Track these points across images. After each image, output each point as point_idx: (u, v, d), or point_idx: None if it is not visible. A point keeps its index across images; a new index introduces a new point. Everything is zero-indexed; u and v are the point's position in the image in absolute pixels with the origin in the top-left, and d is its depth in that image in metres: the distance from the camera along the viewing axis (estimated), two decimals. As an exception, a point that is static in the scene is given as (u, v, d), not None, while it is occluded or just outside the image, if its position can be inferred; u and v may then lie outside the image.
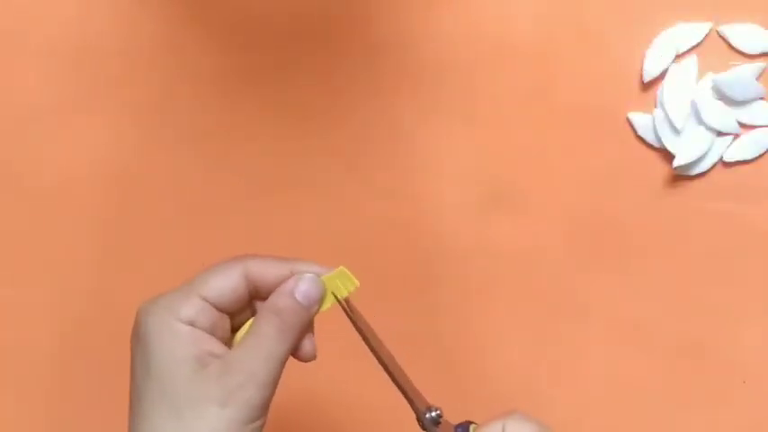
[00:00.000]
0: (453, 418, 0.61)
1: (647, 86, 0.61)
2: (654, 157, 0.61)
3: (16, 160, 0.63)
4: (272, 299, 0.42)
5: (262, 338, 0.41)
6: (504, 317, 0.62)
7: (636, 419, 0.61)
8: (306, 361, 0.44)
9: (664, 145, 0.60)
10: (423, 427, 0.44)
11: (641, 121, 0.61)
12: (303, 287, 0.42)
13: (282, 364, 0.41)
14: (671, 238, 0.61)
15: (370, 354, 0.44)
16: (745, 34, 0.60)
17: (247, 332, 0.41)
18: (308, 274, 0.42)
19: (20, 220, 0.62)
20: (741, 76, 0.59)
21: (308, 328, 0.43)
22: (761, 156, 0.61)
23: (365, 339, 0.44)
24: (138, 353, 0.41)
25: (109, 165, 0.62)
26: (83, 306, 0.63)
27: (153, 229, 0.62)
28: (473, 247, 0.61)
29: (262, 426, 0.41)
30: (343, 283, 0.44)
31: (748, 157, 0.61)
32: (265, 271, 0.42)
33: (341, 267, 0.43)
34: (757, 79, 0.60)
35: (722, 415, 0.61)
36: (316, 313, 0.43)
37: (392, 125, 0.62)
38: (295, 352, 0.44)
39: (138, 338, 0.41)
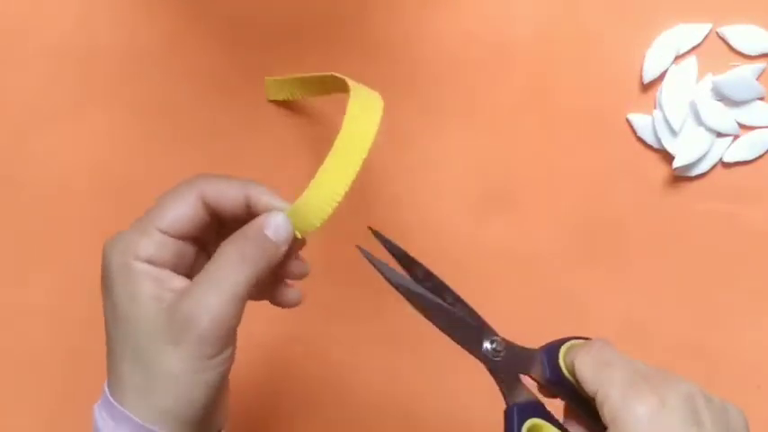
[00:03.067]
0: (453, 418, 0.61)
1: (647, 87, 0.61)
2: (654, 157, 0.61)
3: (16, 160, 0.63)
4: (242, 229, 0.40)
5: (218, 267, 0.39)
6: (504, 317, 0.61)
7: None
8: (288, 306, 0.43)
9: (663, 146, 0.60)
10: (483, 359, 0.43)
11: (641, 122, 0.61)
12: (274, 223, 0.41)
13: (241, 297, 0.39)
14: (671, 238, 0.61)
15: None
16: (744, 35, 0.60)
17: (208, 263, 0.40)
18: (281, 214, 0.41)
19: (20, 219, 0.62)
20: (741, 76, 0.60)
21: (273, 267, 0.41)
22: (760, 156, 0.61)
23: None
24: (105, 297, 0.40)
25: (109, 165, 0.62)
26: (83, 306, 0.62)
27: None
28: (472, 247, 0.61)
29: (226, 361, 0.39)
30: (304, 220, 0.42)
31: (748, 157, 0.61)
32: (221, 193, 0.41)
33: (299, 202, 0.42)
34: (757, 80, 0.60)
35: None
36: (281, 255, 0.41)
37: (391, 125, 0.62)
38: (275, 298, 0.43)
39: (103, 282, 0.41)
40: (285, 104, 0.62)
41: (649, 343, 0.61)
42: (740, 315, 0.61)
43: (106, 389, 0.41)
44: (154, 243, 0.40)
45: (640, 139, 0.61)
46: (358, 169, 0.42)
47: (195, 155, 0.62)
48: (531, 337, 0.61)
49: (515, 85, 0.61)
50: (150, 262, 0.40)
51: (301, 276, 0.44)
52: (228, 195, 0.41)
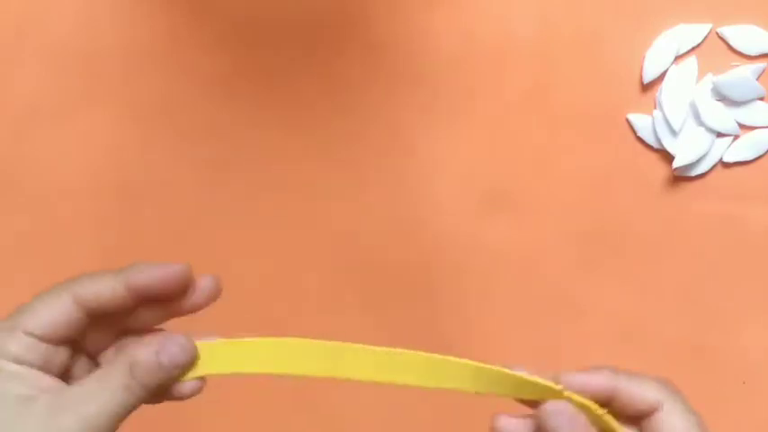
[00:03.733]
0: (453, 417, 0.61)
1: (647, 87, 0.61)
2: (653, 158, 0.61)
3: (16, 160, 0.63)
4: (132, 347, 0.38)
5: (106, 385, 0.37)
6: (504, 317, 0.62)
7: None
8: (186, 398, 0.39)
9: (663, 146, 0.60)
10: None
11: (641, 122, 0.61)
12: (171, 349, 0.38)
13: (124, 416, 0.37)
14: (670, 238, 0.61)
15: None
16: (744, 35, 0.60)
17: (94, 373, 0.38)
18: (181, 337, 0.38)
19: (20, 219, 0.62)
20: (741, 77, 0.60)
21: (167, 385, 0.38)
22: (760, 157, 0.61)
23: None
24: None
25: (109, 165, 0.62)
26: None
27: (153, 229, 0.62)
28: (473, 247, 0.61)
29: None
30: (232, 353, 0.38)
31: (748, 157, 0.61)
32: (97, 290, 0.38)
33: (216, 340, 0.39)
34: (757, 80, 0.60)
35: (722, 416, 0.61)
36: (179, 377, 0.38)
37: (392, 125, 0.62)
38: (170, 395, 0.39)
39: None
40: (284, 106, 0.62)
41: (649, 343, 0.61)
42: (740, 315, 0.61)
43: None
44: (20, 344, 0.38)
45: (640, 139, 0.61)
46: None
47: (195, 155, 0.62)
48: (531, 337, 0.62)
49: (515, 85, 0.61)
50: (19, 362, 0.37)
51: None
52: (106, 291, 0.39)
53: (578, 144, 0.61)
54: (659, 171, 0.61)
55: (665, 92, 0.60)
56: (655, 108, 0.61)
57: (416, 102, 0.62)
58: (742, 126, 0.61)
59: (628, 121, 0.61)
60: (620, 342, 0.61)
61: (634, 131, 0.61)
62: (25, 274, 0.62)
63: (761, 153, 0.61)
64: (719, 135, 0.61)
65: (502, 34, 0.61)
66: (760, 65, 0.60)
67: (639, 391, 0.40)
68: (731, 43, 0.60)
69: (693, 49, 0.61)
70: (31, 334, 0.38)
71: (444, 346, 0.63)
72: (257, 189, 0.62)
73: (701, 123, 0.60)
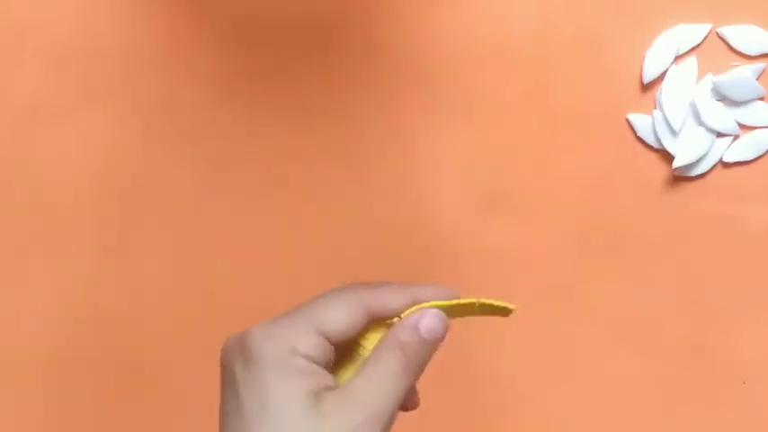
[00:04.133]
0: (453, 418, 0.61)
1: (647, 87, 0.61)
2: (653, 158, 0.61)
3: (16, 160, 0.63)
4: (395, 332, 0.39)
5: (386, 374, 0.38)
6: (505, 317, 0.61)
7: (635, 420, 0.61)
8: (410, 410, 0.42)
9: (663, 146, 0.60)
10: None
11: (641, 122, 0.61)
12: (428, 322, 0.39)
13: (403, 400, 0.39)
14: (670, 238, 0.61)
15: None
16: (744, 35, 0.60)
17: (368, 365, 0.39)
18: (433, 309, 0.40)
19: (20, 219, 0.62)
20: (741, 77, 0.60)
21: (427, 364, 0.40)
22: (760, 157, 0.61)
23: None
24: (247, 384, 0.37)
25: (109, 164, 0.62)
26: (83, 306, 0.63)
27: (153, 229, 0.62)
28: (473, 247, 0.61)
29: None
30: (465, 309, 0.41)
31: (748, 158, 0.61)
32: (386, 304, 0.40)
33: (457, 296, 0.41)
34: (757, 80, 0.60)
35: (722, 416, 0.61)
36: (437, 348, 0.40)
37: (392, 125, 0.62)
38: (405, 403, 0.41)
39: (247, 368, 0.38)
40: (284, 106, 0.62)
41: (649, 343, 0.61)
42: (740, 315, 0.61)
43: None
44: (313, 342, 0.38)
45: (640, 139, 0.61)
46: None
47: (195, 155, 0.62)
48: (531, 337, 0.62)
49: (515, 85, 0.61)
50: (309, 359, 0.38)
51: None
52: (394, 302, 0.40)
53: (578, 144, 0.61)
54: (659, 171, 0.61)
55: (665, 92, 0.60)
56: (655, 108, 0.61)
57: (417, 102, 0.62)
58: (742, 126, 0.61)
59: (628, 121, 0.61)
60: (620, 342, 0.61)
61: (634, 131, 0.61)
62: (25, 273, 0.62)
63: (761, 153, 0.61)
64: (719, 135, 0.61)
65: (502, 34, 0.61)
66: (760, 65, 0.60)
67: None
68: (731, 43, 0.60)
69: (693, 49, 0.61)
70: (324, 335, 0.38)
71: (444, 346, 0.63)
72: (257, 189, 0.62)
73: (701, 123, 0.60)
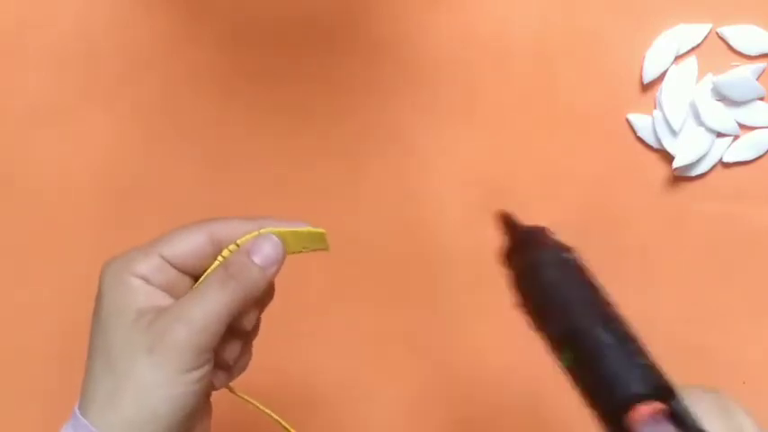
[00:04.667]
0: (454, 419, 0.61)
1: (647, 88, 0.61)
2: (654, 158, 0.61)
3: (16, 160, 0.63)
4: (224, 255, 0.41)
5: (203, 287, 0.39)
6: (504, 317, 0.61)
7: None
8: (235, 372, 0.42)
9: (663, 146, 0.60)
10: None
11: (641, 122, 0.61)
12: (261, 248, 0.41)
13: (224, 317, 0.39)
14: (671, 238, 0.61)
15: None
16: (744, 35, 0.60)
17: (195, 287, 0.40)
18: (270, 235, 0.41)
19: (20, 219, 0.62)
20: (741, 77, 0.60)
21: (263, 291, 0.41)
22: (760, 157, 0.61)
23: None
24: (94, 312, 0.41)
25: (109, 164, 0.62)
26: (83, 306, 0.62)
27: (153, 229, 0.62)
28: (473, 247, 0.61)
29: (198, 381, 0.38)
30: (313, 241, 0.43)
31: (748, 157, 0.61)
32: (232, 232, 0.41)
33: (318, 229, 0.43)
34: (757, 80, 0.60)
35: (722, 416, 0.61)
36: (274, 275, 0.41)
37: (392, 125, 0.62)
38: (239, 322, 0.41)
39: (96, 298, 0.41)
40: (284, 106, 0.62)
41: (649, 343, 0.61)
42: (740, 315, 0.61)
43: (76, 407, 0.41)
44: (152, 265, 0.40)
45: (640, 139, 0.61)
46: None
47: (195, 155, 0.62)
48: (531, 337, 0.61)
49: (515, 85, 0.61)
50: (145, 279, 0.40)
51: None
52: (240, 232, 0.41)
53: (578, 144, 0.61)
54: (659, 171, 0.61)
55: (665, 92, 0.60)
56: (655, 108, 0.61)
57: (417, 102, 0.62)
58: (742, 126, 0.61)
59: (628, 121, 0.61)
60: (620, 342, 0.61)
61: (634, 131, 0.61)
62: (26, 273, 0.62)
63: (761, 153, 0.61)
64: (719, 135, 0.61)
65: (502, 34, 0.61)
66: (760, 65, 0.60)
67: None
68: (731, 43, 0.60)
69: (693, 49, 0.61)
70: (164, 257, 0.40)
71: (444, 345, 0.63)
72: (257, 189, 0.62)
73: (700, 123, 0.60)
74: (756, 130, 0.61)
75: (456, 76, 0.62)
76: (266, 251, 0.41)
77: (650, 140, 0.61)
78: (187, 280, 0.41)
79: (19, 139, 0.63)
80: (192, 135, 0.62)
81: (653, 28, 0.61)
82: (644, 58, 0.60)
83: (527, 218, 0.62)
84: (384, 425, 0.61)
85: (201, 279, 0.41)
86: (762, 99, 0.60)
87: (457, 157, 0.61)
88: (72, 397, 0.62)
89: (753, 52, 0.60)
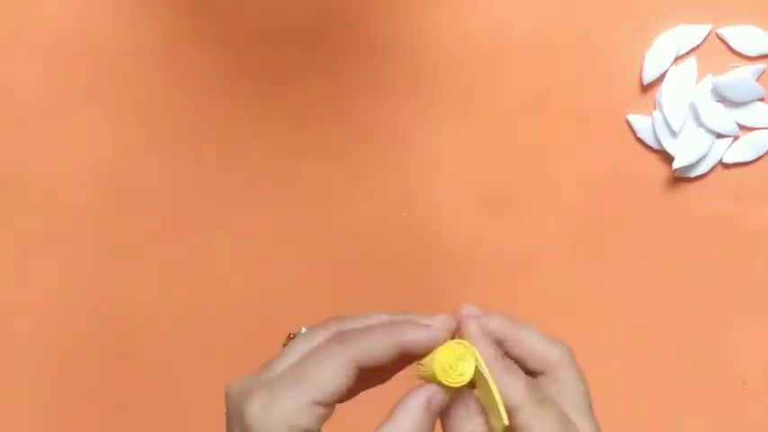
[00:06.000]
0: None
1: (647, 88, 0.61)
2: (653, 158, 0.61)
3: (16, 160, 0.62)
4: (407, 399, 0.39)
5: None
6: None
7: (635, 420, 0.61)
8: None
9: (663, 147, 0.60)
10: None
11: (641, 122, 0.61)
12: (435, 399, 0.38)
13: None
14: (670, 239, 0.61)
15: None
16: (744, 36, 0.60)
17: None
18: (434, 387, 0.39)
19: (20, 219, 0.62)
20: (741, 77, 0.60)
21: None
22: (760, 157, 0.61)
23: None
24: None
25: (109, 164, 0.62)
26: (83, 306, 0.62)
27: (153, 229, 0.62)
28: (472, 247, 0.61)
29: None
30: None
31: (748, 158, 0.61)
32: (373, 355, 0.39)
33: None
34: (757, 81, 0.60)
35: (721, 417, 0.61)
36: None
37: (391, 125, 0.62)
38: None
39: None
40: (284, 106, 0.62)
41: (649, 343, 0.61)
42: (740, 315, 0.61)
43: None
44: (309, 415, 0.38)
45: (640, 140, 0.61)
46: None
47: (196, 155, 0.62)
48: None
49: (515, 85, 0.61)
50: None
51: None
52: (381, 354, 0.40)
53: (578, 144, 0.61)
54: (659, 172, 0.61)
55: (664, 93, 0.60)
56: (654, 109, 0.61)
57: (416, 102, 0.62)
58: (742, 127, 0.61)
59: (628, 121, 0.61)
60: (620, 342, 0.61)
61: (634, 132, 0.61)
62: (26, 273, 0.62)
63: (760, 154, 0.61)
64: (719, 136, 0.61)
65: (502, 34, 0.61)
66: (760, 66, 0.60)
67: (540, 347, 0.41)
68: (731, 44, 0.61)
69: (693, 49, 0.61)
70: (319, 404, 0.38)
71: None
72: (257, 189, 0.62)
73: (700, 124, 0.60)
74: (756, 131, 0.61)
75: (456, 76, 0.62)
76: (437, 401, 0.39)
77: (650, 141, 0.61)
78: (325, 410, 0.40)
79: (19, 139, 0.63)
80: (192, 135, 0.62)
81: (653, 28, 0.61)
82: (644, 58, 0.60)
83: (527, 218, 0.62)
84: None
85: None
86: (761, 100, 0.60)
87: (457, 157, 0.61)
88: (72, 397, 0.62)
89: (753, 53, 0.60)
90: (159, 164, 0.62)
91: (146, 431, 0.62)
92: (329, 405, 0.39)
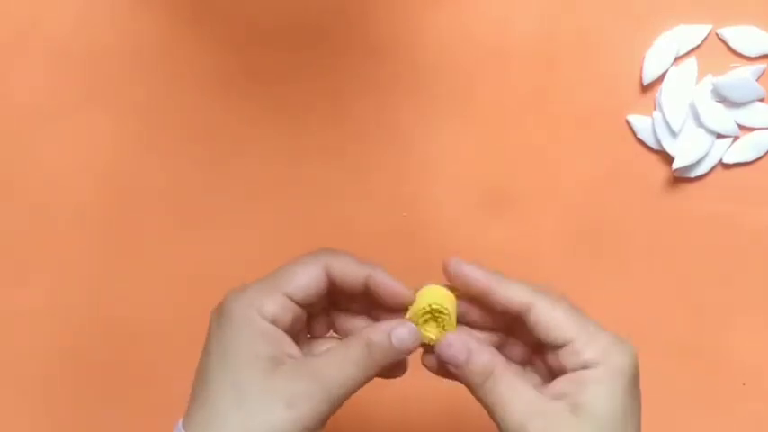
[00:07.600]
0: (450, 415, 0.61)
1: (647, 89, 0.61)
2: (653, 159, 0.61)
3: (17, 161, 0.63)
4: (368, 330, 0.43)
5: (345, 360, 0.42)
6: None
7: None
8: (392, 378, 0.45)
9: (663, 147, 0.60)
10: None
11: (641, 123, 0.61)
12: (401, 332, 0.43)
13: (355, 390, 0.42)
14: (670, 239, 0.61)
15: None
16: (744, 36, 0.60)
17: (334, 348, 0.43)
18: (410, 324, 0.43)
19: (20, 220, 0.62)
20: (740, 78, 0.60)
21: (392, 364, 0.43)
22: (760, 158, 0.61)
23: None
24: (216, 339, 0.42)
25: (109, 165, 0.62)
26: (82, 307, 0.62)
27: (153, 229, 0.62)
28: (473, 246, 0.61)
29: None
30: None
31: (748, 158, 0.61)
32: (344, 269, 0.43)
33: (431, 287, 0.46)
34: (757, 81, 0.60)
35: (722, 417, 0.61)
36: (399, 359, 0.44)
37: (391, 126, 0.62)
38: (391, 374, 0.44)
39: (219, 325, 0.42)
40: (283, 107, 0.62)
41: (649, 343, 0.61)
42: (740, 316, 0.61)
43: (180, 426, 0.42)
44: (278, 304, 0.42)
45: (640, 141, 0.61)
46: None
47: (196, 155, 0.62)
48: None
49: (515, 86, 0.61)
50: (274, 321, 0.42)
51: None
52: (351, 273, 0.43)
53: (578, 144, 0.61)
54: (659, 172, 0.61)
55: (664, 93, 0.60)
56: (654, 109, 0.61)
57: (416, 102, 0.62)
58: (742, 127, 0.61)
59: (627, 122, 0.61)
60: (620, 343, 0.61)
61: (634, 132, 0.61)
62: (26, 274, 0.62)
63: (761, 154, 0.61)
64: (719, 136, 0.61)
65: (502, 35, 0.62)
66: (760, 66, 0.60)
67: (507, 294, 0.45)
68: (731, 44, 0.61)
69: (693, 50, 0.61)
70: (288, 295, 0.42)
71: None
72: (257, 189, 0.62)
73: (700, 124, 0.60)
74: (756, 132, 0.61)
75: (455, 76, 0.62)
76: (405, 339, 0.43)
77: (650, 141, 0.61)
78: (303, 314, 0.43)
79: (19, 139, 0.63)
80: (192, 135, 0.62)
81: (653, 29, 0.61)
82: (644, 58, 0.61)
83: (527, 218, 0.62)
84: (383, 425, 0.61)
85: (341, 345, 0.43)
86: (762, 100, 0.60)
87: (456, 157, 0.61)
88: (72, 397, 0.62)
89: (753, 53, 0.60)
90: (159, 163, 0.62)
91: (146, 431, 0.62)
92: (299, 302, 0.42)
